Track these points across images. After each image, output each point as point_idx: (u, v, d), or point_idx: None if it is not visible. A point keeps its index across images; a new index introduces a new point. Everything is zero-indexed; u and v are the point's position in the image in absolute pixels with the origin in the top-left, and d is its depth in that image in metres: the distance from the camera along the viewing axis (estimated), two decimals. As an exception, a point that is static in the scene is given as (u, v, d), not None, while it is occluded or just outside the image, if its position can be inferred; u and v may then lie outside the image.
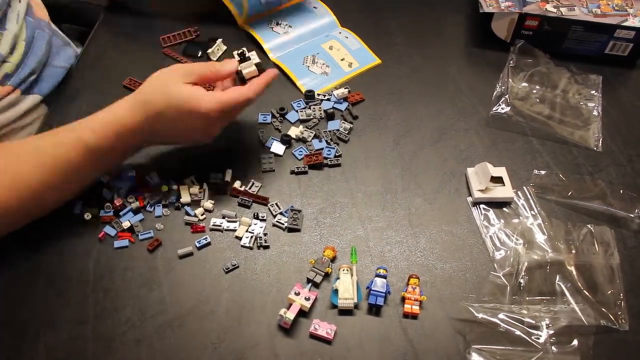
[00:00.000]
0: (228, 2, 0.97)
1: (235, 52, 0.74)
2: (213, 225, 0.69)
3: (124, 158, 0.70)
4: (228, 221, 0.70)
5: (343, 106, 0.84)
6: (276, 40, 0.92)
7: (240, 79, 0.73)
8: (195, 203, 0.72)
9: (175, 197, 0.72)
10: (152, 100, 0.65)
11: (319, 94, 0.85)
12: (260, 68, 0.73)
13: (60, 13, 1.00)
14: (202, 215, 0.70)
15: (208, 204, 0.71)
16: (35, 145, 0.66)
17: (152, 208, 0.71)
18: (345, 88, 0.85)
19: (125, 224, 0.68)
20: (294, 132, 0.80)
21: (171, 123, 0.66)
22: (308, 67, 0.89)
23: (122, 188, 0.72)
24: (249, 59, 0.72)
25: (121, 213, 0.70)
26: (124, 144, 0.67)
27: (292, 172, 0.76)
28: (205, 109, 0.65)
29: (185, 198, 0.71)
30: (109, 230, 0.68)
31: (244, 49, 0.74)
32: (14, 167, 0.63)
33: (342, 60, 0.90)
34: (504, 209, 0.72)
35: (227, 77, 0.72)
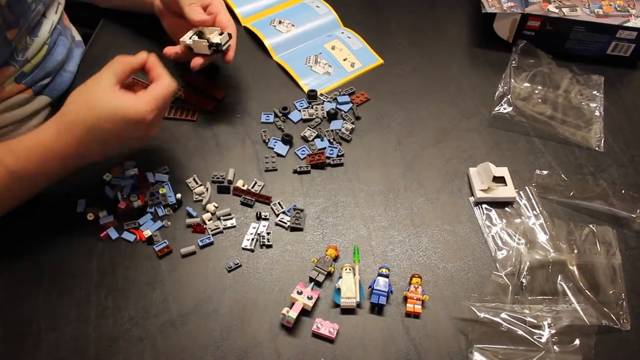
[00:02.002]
0: (230, 2, 0.98)
1: (187, 38, 0.74)
2: (212, 231, 0.69)
3: (62, 176, 0.66)
4: (224, 219, 0.70)
5: (347, 107, 0.84)
6: (279, 39, 0.92)
7: (217, 51, 0.75)
8: (198, 202, 0.72)
9: (173, 198, 0.72)
10: (80, 119, 0.61)
11: (321, 95, 0.85)
12: (227, 33, 0.75)
13: (66, 16, 1.00)
14: (209, 220, 0.70)
15: (211, 206, 0.71)
16: None
17: (153, 209, 0.71)
18: (349, 89, 0.86)
19: (146, 233, 0.68)
20: (307, 132, 0.80)
21: (107, 136, 0.63)
22: (311, 67, 0.89)
23: (125, 186, 0.72)
24: (204, 34, 0.74)
25: (141, 221, 0.69)
26: (51, 168, 0.63)
27: (295, 172, 0.76)
28: (140, 115, 0.62)
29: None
30: (111, 232, 0.68)
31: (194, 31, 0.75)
32: None
33: (344, 60, 0.91)
34: (506, 208, 0.73)
35: (144, 63, 0.68)
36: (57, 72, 0.83)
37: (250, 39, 0.94)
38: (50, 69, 0.81)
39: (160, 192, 0.71)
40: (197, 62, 0.75)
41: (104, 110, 0.61)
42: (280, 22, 0.94)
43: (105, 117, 0.61)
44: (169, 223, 0.70)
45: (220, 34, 0.74)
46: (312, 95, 0.84)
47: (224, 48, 0.75)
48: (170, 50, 0.77)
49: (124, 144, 0.66)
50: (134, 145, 0.68)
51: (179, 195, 0.71)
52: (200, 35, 0.75)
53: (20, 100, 0.78)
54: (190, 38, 0.75)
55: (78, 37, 0.94)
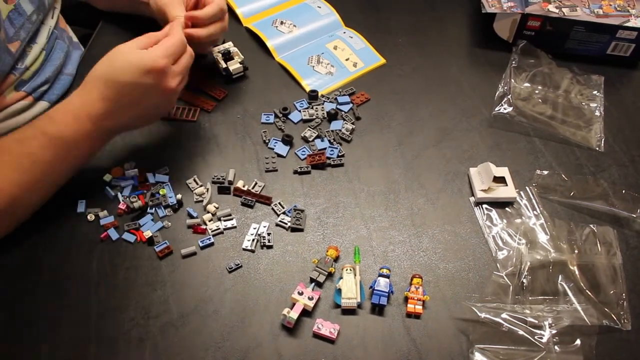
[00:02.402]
0: (231, 2, 0.98)
1: (217, 51, 0.82)
2: (212, 232, 0.69)
3: (95, 149, 0.69)
4: (225, 220, 0.70)
5: (347, 107, 0.84)
6: (281, 40, 0.92)
7: (227, 75, 0.84)
8: (198, 203, 0.72)
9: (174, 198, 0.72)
10: (100, 75, 0.65)
11: (322, 95, 0.85)
12: (244, 65, 0.85)
13: (62, 14, 1.00)
14: (209, 220, 0.70)
15: (212, 207, 0.71)
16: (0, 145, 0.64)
17: (153, 210, 0.71)
18: (350, 89, 0.86)
19: (147, 234, 0.67)
20: (307, 133, 0.80)
21: (127, 90, 0.65)
22: (313, 67, 0.89)
23: (125, 187, 0.72)
24: (232, 58, 0.83)
25: (141, 222, 0.69)
26: (87, 130, 0.65)
27: (295, 172, 0.76)
28: (152, 60, 0.64)
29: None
30: (112, 233, 0.68)
31: (229, 46, 0.84)
32: None
33: (346, 60, 0.91)
34: (507, 208, 0.73)
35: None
36: (56, 77, 0.83)
37: (251, 39, 0.94)
38: (49, 74, 0.81)
39: (161, 192, 0.71)
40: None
41: (120, 63, 0.65)
42: (281, 23, 0.94)
43: (120, 69, 0.64)
44: (170, 224, 0.70)
45: (241, 62, 0.85)
46: (312, 96, 0.84)
47: (233, 77, 0.85)
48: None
49: (147, 100, 0.67)
50: (158, 103, 0.69)
51: (179, 196, 0.71)
52: (227, 55, 0.85)
53: (21, 107, 0.78)
54: (218, 51, 0.85)
55: (75, 38, 0.94)
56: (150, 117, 0.72)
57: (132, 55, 0.65)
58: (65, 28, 0.91)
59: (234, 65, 0.83)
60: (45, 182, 0.66)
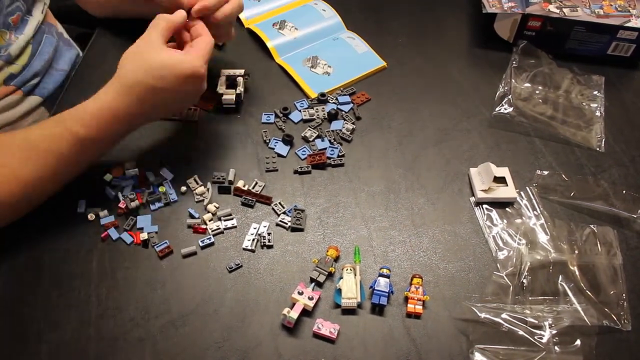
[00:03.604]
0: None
1: (226, 73, 0.82)
2: (212, 231, 0.69)
3: (123, 139, 0.70)
4: (225, 220, 0.70)
5: (348, 107, 0.84)
6: (282, 41, 0.92)
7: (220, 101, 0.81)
8: (199, 203, 0.72)
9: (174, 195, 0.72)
10: (137, 80, 0.64)
11: (322, 95, 0.85)
12: (239, 99, 0.82)
13: (61, 13, 1.00)
14: (209, 220, 0.70)
15: (212, 207, 0.71)
16: (24, 137, 0.65)
17: (155, 205, 0.71)
18: (350, 89, 0.86)
19: (143, 236, 0.67)
20: (307, 133, 0.80)
21: (165, 94, 0.65)
22: (314, 68, 0.89)
23: (126, 187, 0.72)
24: (234, 86, 0.81)
25: (139, 222, 0.69)
26: (117, 131, 0.66)
27: (296, 172, 0.76)
28: (194, 68, 0.65)
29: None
30: (112, 232, 0.68)
31: (239, 73, 0.82)
32: (2, 160, 0.63)
33: (348, 62, 0.90)
34: (507, 209, 0.72)
35: (184, 21, 0.70)
36: (46, 71, 0.83)
37: (252, 39, 0.94)
38: (38, 68, 0.81)
39: (161, 190, 0.71)
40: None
41: (160, 69, 0.64)
42: (283, 25, 0.94)
43: (161, 75, 0.64)
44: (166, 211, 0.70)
45: (238, 94, 0.81)
46: (322, 100, 0.84)
47: (222, 105, 0.82)
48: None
49: (182, 100, 0.70)
50: (190, 101, 0.72)
51: (183, 188, 0.72)
52: (231, 82, 0.83)
53: (11, 102, 0.78)
54: (227, 74, 0.83)
55: (66, 35, 0.94)
56: (177, 111, 0.76)
57: (170, 60, 0.65)
58: (54, 24, 0.91)
59: (229, 96, 0.81)
60: (66, 175, 0.67)
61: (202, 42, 0.68)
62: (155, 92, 0.65)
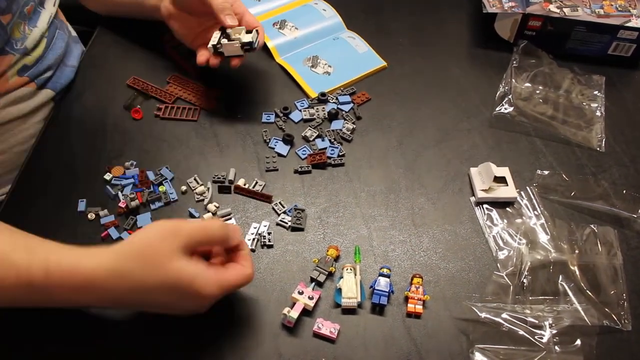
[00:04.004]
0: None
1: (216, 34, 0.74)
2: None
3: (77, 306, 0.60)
4: (225, 220, 0.70)
5: (348, 107, 0.84)
6: (282, 41, 0.92)
7: (217, 53, 0.74)
8: (199, 202, 0.72)
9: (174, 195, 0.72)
10: (139, 275, 0.52)
11: (323, 95, 0.85)
12: (248, 48, 0.74)
13: (61, 12, 1.00)
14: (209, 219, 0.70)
15: (212, 206, 0.71)
16: None
17: (155, 204, 0.71)
18: (350, 89, 0.86)
19: None
20: (308, 132, 0.80)
21: (160, 301, 0.55)
22: (314, 68, 0.89)
23: (126, 186, 0.72)
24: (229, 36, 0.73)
25: (139, 222, 0.69)
26: (79, 299, 0.55)
27: (296, 172, 0.76)
28: (205, 293, 0.54)
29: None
30: (112, 232, 0.68)
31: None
32: None
33: (348, 62, 0.90)
34: (507, 209, 0.72)
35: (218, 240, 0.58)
36: (58, 66, 0.84)
37: (251, 38, 0.94)
38: (51, 61, 0.81)
39: (161, 189, 0.71)
40: (235, 63, 0.76)
41: (170, 278, 0.53)
42: (283, 25, 0.94)
43: (169, 285, 0.53)
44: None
45: (248, 32, 0.75)
46: (322, 100, 0.84)
47: (255, 45, 0.75)
48: (202, 58, 0.76)
49: (173, 312, 0.57)
50: (180, 313, 0.58)
51: (183, 188, 0.72)
52: (228, 37, 0.74)
53: (24, 94, 0.78)
54: (219, 43, 0.74)
55: (74, 33, 0.95)
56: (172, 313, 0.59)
57: (185, 270, 0.53)
58: (65, 22, 0.92)
59: (246, 37, 0.72)
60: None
61: (234, 274, 0.57)
62: (151, 294, 0.54)
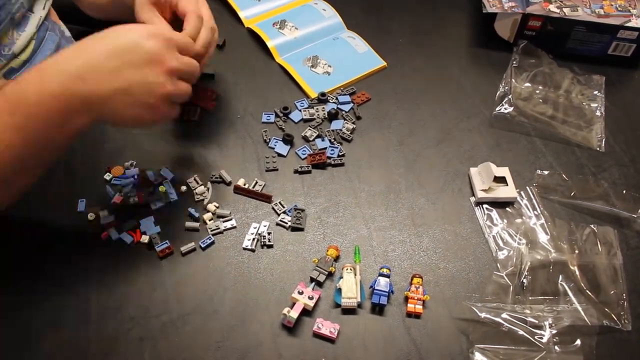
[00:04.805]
0: (232, 2, 0.98)
1: None
2: (212, 231, 0.69)
3: (64, 128, 0.56)
4: (224, 221, 0.70)
5: (348, 107, 0.84)
6: (282, 41, 0.92)
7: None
8: (200, 202, 0.72)
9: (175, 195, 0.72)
10: (100, 34, 0.57)
11: (323, 95, 0.85)
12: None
13: (60, 13, 1.00)
14: (209, 220, 0.70)
15: (212, 206, 0.71)
16: None
17: (155, 205, 0.71)
18: (350, 89, 0.86)
19: (144, 239, 0.67)
20: (308, 133, 0.80)
21: (123, 51, 0.56)
22: (314, 68, 0.89)
23: (126, 186, 0.72)
24: None
25: (141, 228, 0.69)
26: (51, 89, 0.54)
27: (296, 172, 0.76)
28: (162, 28, 0.59)
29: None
30: (112, 232, 0.68)
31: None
32: None
33: (348, 62, 0.90)
34: (507, 209, 0.72)
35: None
36: None
37: (252, 39, 0.94)
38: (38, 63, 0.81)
39: (161, 190, 0.71)
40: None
41: (118, 31, 0.58)
42: (283, 25, 0.94)
43: (118, 30, 0.58)
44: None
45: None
46: (322, 99, 0.84)
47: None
48: None
49: (140, 77, 0.57)
50: (152, 87, 0.58)
51: (183, 188, 0.72)
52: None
53: None
54: None
55: (67, 33, 0.94)
56: (133, 105, 0.58)
57: (132, 28, 0.59)
58: (58, 22, 0.90)
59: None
60: (4, 163, 0.55)
61: (179, 33, 0.63)
62: (103, 42, 0.57)
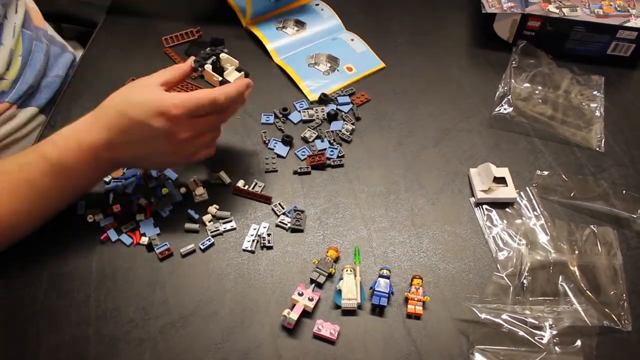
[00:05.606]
0: (232, 2, 0.98)
1: (199, 60, 0.69)
2: (211, 233, 0.69)
3: (95, 178, 0.67)
4: (223, 223, 0.70)
5: (347, 107, 0.84)
6: (281, 42, 0.92)
7: (195, 69, 0.69)
8: (200, 204, 0.72)
9: (179, 196, 0.72)
10: (113, 105, 0.62)
11: (326, 96, 0.85)
12: (245, 71, 0.70)
13: (60, 13, 1.00)
14: (209, 221, 0.70)
15: (212, 208, 0.71)
16: (1, 170, 0.62)
17: (165, 212, 0.71)
18: (350, 90, 0.86)
19: (144, 240, 0.67)
20: (307, 133, 0.80)
21: (132, 127, 0.61)
22: (312, 69, 0.89)
23: (129, 186, 0.72)
24: (222, 67, 0.70)
25: (141, 229, 0.69)
26: (89, 159, 0.62)
27: (295, 173, 0.76)
28: (163, 104, 0.60)
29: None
30: (112, 234, 0.68)
31: (211, 52, 0.69)
32: None
33: (347, 63, 0.90)
34: (507, 209, 0.72)
35: (188, 72, 0.67)
36: (40, 82, 0.82)
37: (251, 39, 0.94)
38: (30, 81, 0.79)
39: (164, 192, 0.71)
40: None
41: (137, 97, 0.62)
42: (285, 25, 0.94)
43: (135, 103, 0.61)
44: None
45: (239, 70, 0.70)
46: (323, 100, 0.84)
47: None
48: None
49: (154, 144, 0.63)
50: (164, 150, 0.64)
51: (183, 190, 0.72)
52: (215, 65, 0.70)
53: (6, 117, 0.77)
54: (201, 66, 0.69)
55: (58, 38, 0.91)
56: (156, 163, 0.68)
57: (150, 93, 0.62)
58: (43, 26, 0.88)
59: (232, 75, 0.69)
60: (42, 209, 0.64)
61: (198, 92, 0.63)
62: (123, 119, 0.61)
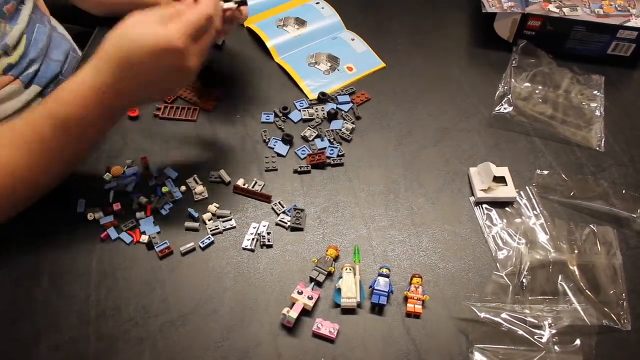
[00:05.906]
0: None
1: None
2: (211, 231, 0.69)
3: (109, 124, 0.66)
4: (224, 221, 0.70)
5: (347, 107, 0.84)
6: (281, 41, 0.92)
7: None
8: (200, 202, 0.72)
9: (179, 194, 0.72)
10: (113, 51, 0.60)
11: (325, 95, 0.85)
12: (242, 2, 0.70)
13: (60, 13, 1.00)
14: (209, 220, 0.70)
15: (212, 207, 0.71)
16: (10, 127, 0.63)
17: (165, 210, 0.71)
18: (350, 89, 0.86)
19: (144, 239, 0.68)
20: (307, 133, 0.80)
21: (141, 70, 0.60)
22: (313, 68, 0.89)
23: (129, 185, 0.72)
24: None
25: (141, 228, 0.69)
26: (98, 108, 0.61)
27: (295, 172, 0.76)
28: (169, 41, 0.58)
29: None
30: (112, 232, 0.68)
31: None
32: None
33: (347, 62, 0.90)
34: (507, 209, 0.72)
35: None
36: (43, 61, 0.84)
37: (251, 38, 0.94)
38: (34, 56, 0.82)
39: (164, 190, 0.71)
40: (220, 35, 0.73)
41: (135, 39, 0.59)
42: (286, 23, 0.94)
43: (135, 47, 0.59)
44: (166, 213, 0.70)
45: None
46: (322, 99, 0.84)
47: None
48: None
49: (166, 78, 0.62)
50: (177, 80, 0.64)
51: (183, 188, 0.72)
52: None
53: (12, 92, 0.79)
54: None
55: (60, 29, 0.94)
56: (166, 93, 0.71)
57: (147, 32, 0.59)
58: (47, 14, 0.92)
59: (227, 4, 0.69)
60: (56, 165, 0.64)
61: (190, 14, 0.61)
62: (129, 65, 0.59)
